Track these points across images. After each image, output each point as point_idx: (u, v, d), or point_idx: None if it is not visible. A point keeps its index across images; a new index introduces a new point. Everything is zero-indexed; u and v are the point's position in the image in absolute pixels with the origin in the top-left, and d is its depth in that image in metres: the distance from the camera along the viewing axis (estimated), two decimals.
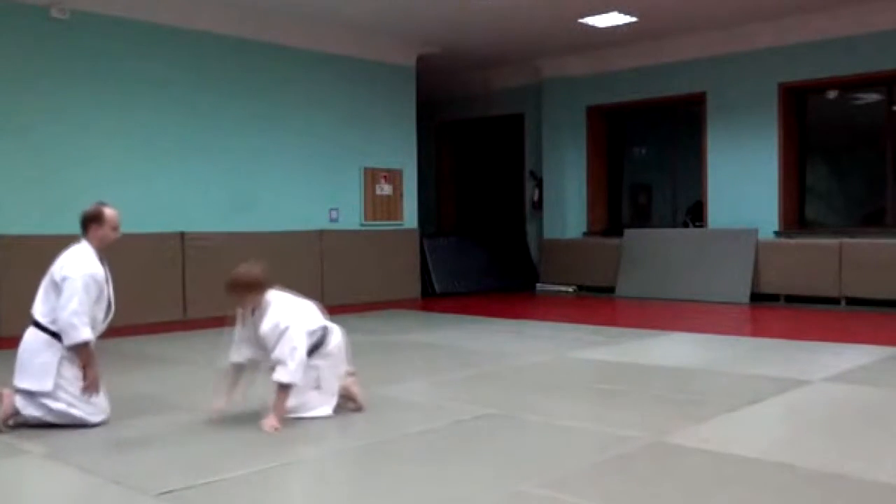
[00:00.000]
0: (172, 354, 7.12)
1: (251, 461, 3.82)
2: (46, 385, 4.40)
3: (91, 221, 4.61)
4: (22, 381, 4.46)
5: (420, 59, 12.14)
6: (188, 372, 6.31)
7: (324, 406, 4.64)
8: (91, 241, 4.60)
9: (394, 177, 11.90)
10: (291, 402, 4.56)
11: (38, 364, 4.42)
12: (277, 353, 4.41)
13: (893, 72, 10.12)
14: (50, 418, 4.46)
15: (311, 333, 4.60)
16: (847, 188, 11.61)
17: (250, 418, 4.65)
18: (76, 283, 4.40)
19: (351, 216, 11.38)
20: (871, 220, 10.97)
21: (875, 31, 10.11)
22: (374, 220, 11.67)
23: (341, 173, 11.26)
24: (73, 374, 4.46)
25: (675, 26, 11.07)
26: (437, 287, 12.37)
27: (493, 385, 5.63)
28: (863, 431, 4.37)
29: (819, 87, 11.01)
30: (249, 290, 4.47)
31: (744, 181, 11.24)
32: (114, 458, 3.99)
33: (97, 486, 3.59)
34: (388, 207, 11.84)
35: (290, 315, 4.52)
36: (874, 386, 5.45)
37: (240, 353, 4.62)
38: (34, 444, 4.17)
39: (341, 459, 4.05)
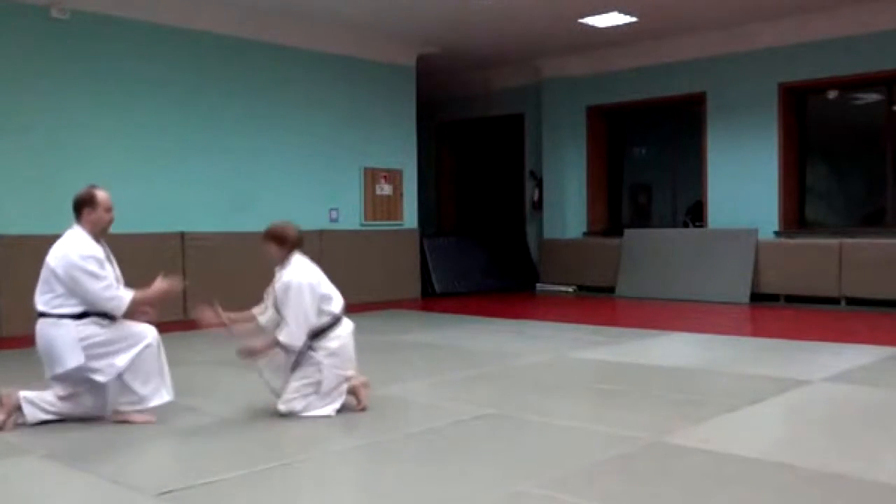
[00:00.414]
0: (172, 354, 7.08)
1: (251, 461, 3.82)
2: (78, 358, 4.40)
3: (84, 205, 4.57)
4: (55, 368, 4.45)
5: (420, 59, 12.14)
6: (188, 372, 6.30)
7: (327, 407, 4.65)
8: (84, 226, 4.56)
9: (394, 177, 11.90)
10: (297, 404, 4.61)
11: (60, 345, 4.41)
12: (284, 313, 4.59)
13: (893, 72, 10.12)
14: (110, 384, 4.48)
15: (321, 313, 4.65)
16: (847, 188, 11.61)
17: (250, 419, 4.67)
18: (83, 266, 4.39)
19: (351, 216, 11.38)
20: (871, 220, 10.97)
21: (875, 31, 10.11)
22: (374, 220, 11.66)
23: (341, 173, 11.26)
24: (98, 336, 4.46)
25: (675, 26, 11.07)
26: (437, 287, 12.37)
27: (493, 385, 5.63)
28: (863, 431, 4.37)
29: (819, 87, 11.01)
30: (276, 243, 4.74)
31: (744, 181, 11.23)
32: (114, 458, 3.99)
33: (97, 486, 3.59)
34: (388, 207, 11.84)
35: (302, 280, 4.62)
36: (874, 386, 5.45)
37: (264, 312, 4.82)
38: (34, 444, 4.17)
39: (341, 459, 4.05)
